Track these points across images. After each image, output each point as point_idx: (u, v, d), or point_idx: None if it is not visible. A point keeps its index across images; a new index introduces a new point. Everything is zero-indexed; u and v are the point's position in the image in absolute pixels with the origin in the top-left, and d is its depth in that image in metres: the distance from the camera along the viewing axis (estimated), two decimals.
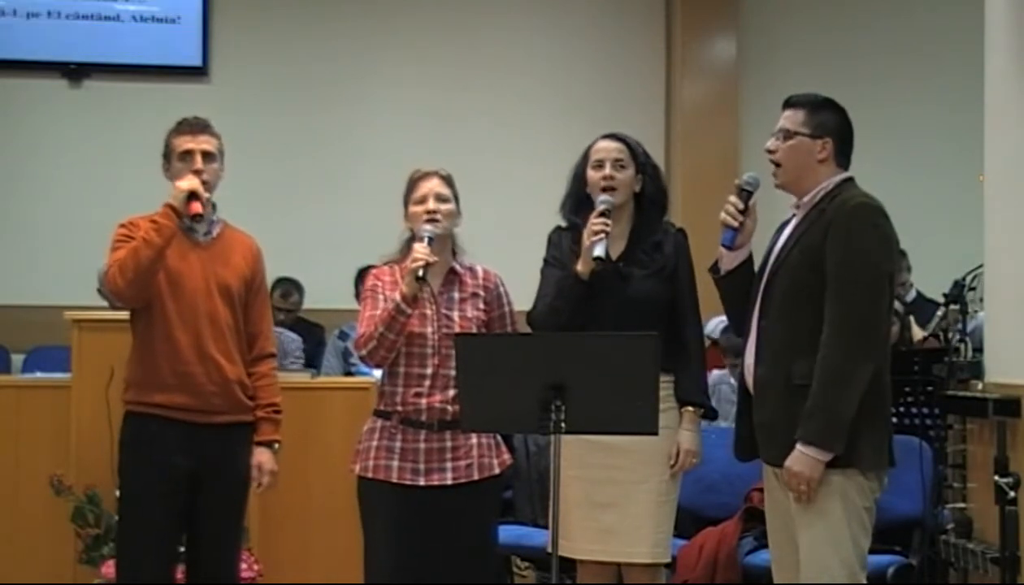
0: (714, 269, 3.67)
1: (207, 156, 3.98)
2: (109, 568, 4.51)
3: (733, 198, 3.58)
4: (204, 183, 3.93)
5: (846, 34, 8.69)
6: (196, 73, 8.28)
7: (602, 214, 3.92)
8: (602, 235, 3.88)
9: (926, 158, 8.48)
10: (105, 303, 6.09)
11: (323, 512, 5.02)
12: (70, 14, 8.23)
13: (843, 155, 3.53)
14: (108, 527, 4.60)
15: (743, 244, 3.61)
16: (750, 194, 3.58)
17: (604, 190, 3.99)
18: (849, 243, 3.36)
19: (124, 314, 4.05)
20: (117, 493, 4.10)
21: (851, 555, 3.35)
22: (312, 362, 6.80)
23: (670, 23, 8.68)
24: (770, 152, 3.55)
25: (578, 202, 4.08)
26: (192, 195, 3.88)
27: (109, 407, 4.43)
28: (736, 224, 3.56)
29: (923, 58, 8.63)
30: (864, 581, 3.41)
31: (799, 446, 3.33)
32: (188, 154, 3.96)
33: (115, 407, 4.21)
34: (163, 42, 8.30)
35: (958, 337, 4.96)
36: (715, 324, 6.24)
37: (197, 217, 3.92)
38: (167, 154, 4.02)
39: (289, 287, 7.59)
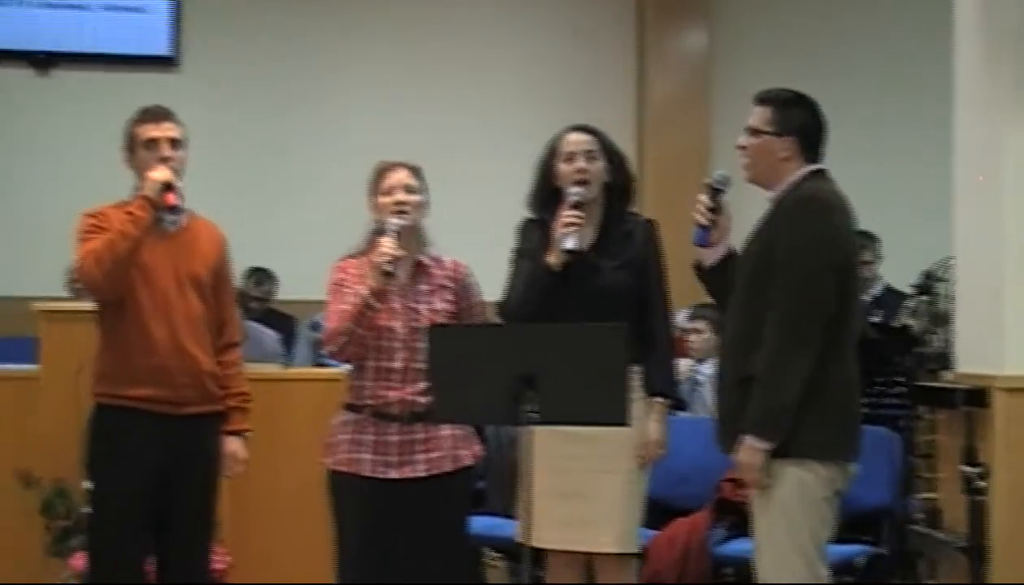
0: (696, 264, 3.69)
1: (174, 143, 3.92)
2: (78, 560, 4.48)
3: (702, 196, 3.61)
4: (173, 171, 3.88)
5: (816, 26, 8.71)
6: (166, 63, 8.23)
7: (574, 206, 3.92)
8: (574, 227, 3.88)
9: (895, 149, 8.52)
10: (70, 296, 6.06)
11: (293, 505, 5.00)
12: (38, 3, 8.15)
13: (810, 150, 3.55)
14: (77, 519, 4.57)
15: (718, 240, 3.64)
16: (720, 191, 3.61)
17: (577, 183, 3.97)
18: (792, 235, 3.40)
19: (92, 305, 4.00)
20: (85, 485, 4.07)
21: (807, 543, 3.37)
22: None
23: (641, 16, 8.68)
24: (741, 148, 3.59)
25: (546, 196, 4.05)
26: (167, 186, 3.84)
27: (78, 399, 4.40)
28: (705, 222, 3.60)
29: (892, 49, 8.67)
30: (824, 572, 3.43)
31: (742, 436, 3.38)
32: (154, 142, 3.90)
33: (85, 399, 4.17)
34: (132, 31, 8.24)
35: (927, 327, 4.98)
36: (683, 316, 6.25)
37: (173, 208, 3.88)
38: (130, 145, 3.95)
39: (261, 275, 7.59)
